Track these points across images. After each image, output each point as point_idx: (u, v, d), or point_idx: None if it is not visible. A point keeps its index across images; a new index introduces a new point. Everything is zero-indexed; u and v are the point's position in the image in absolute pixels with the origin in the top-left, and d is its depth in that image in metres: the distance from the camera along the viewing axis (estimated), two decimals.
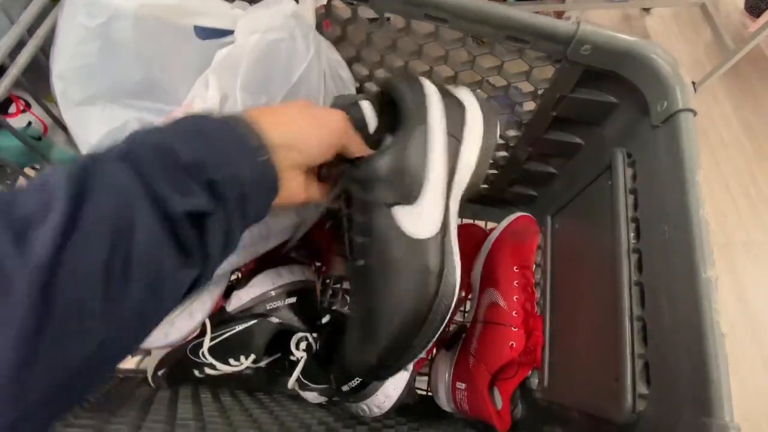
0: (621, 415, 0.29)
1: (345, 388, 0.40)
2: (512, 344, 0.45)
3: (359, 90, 0.48)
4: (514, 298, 0.49)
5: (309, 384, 0.45)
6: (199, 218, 0.19)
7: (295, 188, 0.27)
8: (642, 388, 0.29)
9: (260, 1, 0.34)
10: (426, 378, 0.56)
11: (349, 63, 0.44)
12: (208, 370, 0.47)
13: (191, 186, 0.19)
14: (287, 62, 0.33)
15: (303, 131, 0.26)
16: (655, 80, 0.32)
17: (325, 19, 0.41)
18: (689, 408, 0.24)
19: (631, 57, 0.33)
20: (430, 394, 0.55)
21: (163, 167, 0.18)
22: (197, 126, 0.22)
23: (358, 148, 0.31)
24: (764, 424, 0.91)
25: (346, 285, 0.64)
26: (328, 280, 0.64)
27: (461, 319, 0.51)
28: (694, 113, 0.30)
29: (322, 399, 0.48)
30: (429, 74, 0.43)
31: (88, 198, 0.16)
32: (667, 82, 0.31)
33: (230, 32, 0.33)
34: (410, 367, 0.40)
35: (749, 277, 1.09)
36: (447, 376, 0.49)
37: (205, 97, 0.31)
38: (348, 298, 0.63)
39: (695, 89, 1.29)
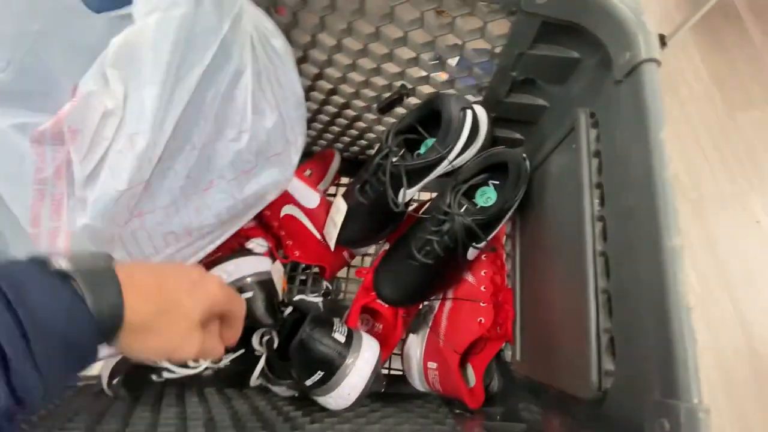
0: (586, 392, 0.28)
1: (308, 382, 0.38)
2: (481, 320, 0.44)
3: (302, 59, 0.44)
4: (483, 272, 0.47)
5: (276, 379, 0.43)
6: None
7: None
8: (608, 365, 0.27)
9: None
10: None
11: (287, 30, 0.40)
12: (166, 374, 0.44)
13: None
14: (197, 40, 0.28)
15: (167, 312, 0.24)
16: (617, 29, 0.29)
17: (279, 5, 0.36)
18: (656, 388, 0.22)
19: (590, 5, 0.29)
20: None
21: None
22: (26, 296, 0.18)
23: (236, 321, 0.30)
24: (739, 377, 0.95)
25: (315, 269, 0.61)
26: (298, 269, 0.61)
27: (428, 302, 0.49)
28: (659, 63, 0.27)
29: (292, 392, 0.46)
30: (375, 36, 0.39)
31: None
32: (629, 29, 0.28)
33: (129, 3, 0.28)
34: (373, 358, 0.38)
35: (720, 229, 1.11)
36: (418, 356, 0.48)
37: (103, 94, 0.27)
38: (318, 283, 0.61)
39: (665, 43, 1.27)
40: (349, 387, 0.37)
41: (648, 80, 0.27)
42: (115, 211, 0.27)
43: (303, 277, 0.62)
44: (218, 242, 0.40)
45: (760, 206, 1.13)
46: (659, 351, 0.22)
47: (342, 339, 0.38)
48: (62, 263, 0.20)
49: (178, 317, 0.25)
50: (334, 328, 0.39)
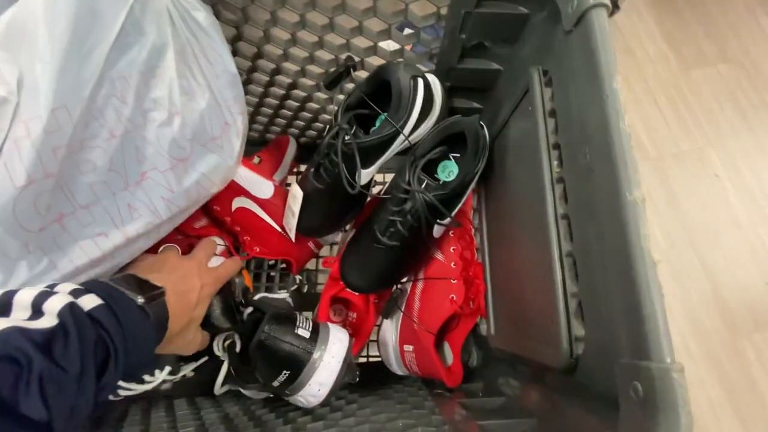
0: (559, 361, 0.26)
1: (275, 383, 0.35)
2: (453, 297, 0.43)
3: (236, 38, 0.40)
4: (451, 248, 0.46)
5: (244, 383, 0.40)
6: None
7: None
8: (579, 330, 0.26)
9: None
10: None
11: (213, 6, 0.36)
12: (122, 393, 0.41)
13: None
14: (99, 13, 0.25)
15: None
16: None
17: None
18: (626, 349, 0.21)
19: None
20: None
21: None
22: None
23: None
24: (706, 321, 0.99)
25: (283, 264, 0.58)
26: (264, 265, 0.58)
27: (400, 285, 0.47)
28: (608, 9, 0.26)
29: (266, 394, 0.44)
30: (312, 4, 0.36)
31: None
32: None
33: None
34: (342, 350, 0.36)
35: (682, 187, 1.14)
36: (394, 340, 0.46)
37: None
38: (286, 278, 0.58)
39: (618, 6, 1.27)
40: (318, 384, 0.35)
41: (598, 27, 0.25)
42: (19, 212, 0.23)
43: (272, 273, 0.59)
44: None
45: (717, 160, 1.16)
46: (627, 311, 0.21)
47: (306, 334, 0.36)
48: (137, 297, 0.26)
49: (192, 325, 0.33)
50: (297, 323, 0.36)
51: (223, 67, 0.36)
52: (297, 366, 0.35)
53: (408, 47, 0.41)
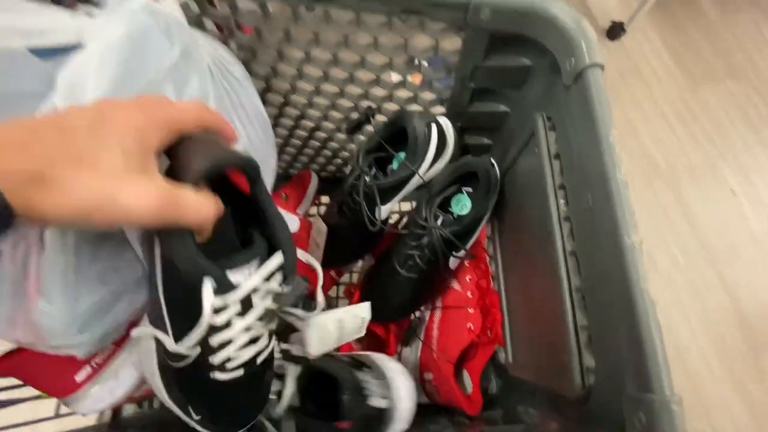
0: (572, 391, 0.28)
1: None
2: (470, 326, 0.45)
3: (266, 89, 0.44)
4: (467, 278, 0.48)
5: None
6: None
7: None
8: (590, 361, 0.28)
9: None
10: None
11: (247, 62, 0.40)
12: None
13: None
14: (143, 64, 0.28)
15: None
16: (560, 37, 0.30)
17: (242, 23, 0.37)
18: (631, 382, 0.23)
19: (532, 16, 0.31)
20: None
21: None
22: None
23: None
24: (728, 339, 0.97)
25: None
26: None
27: (418, 313, 0.50)
28: (602, 68, 0.28)
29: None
30: (334, 62, 0.40)
31: None
32: (571, 37, 0.29)
33: (78, 46, 0.28)
34: (409, 396, 0.37)
35: (697, 201, 1.14)
36: (414, 368, 0.48)
37: None
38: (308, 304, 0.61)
39: (624, 29, 1.31)
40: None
41: (593, 84, 0.28)
42: (72, 241, 0.27)
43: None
44: None
45: (731, 175, 1.16)
46: (630, 346, 0.23)
47: (383, 404, 0.35)
48: None
49: (84, 161, 0.18)
50: (367, 392, 0.35)
51: (256, 113, 0.40)
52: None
53: (421, 93, 0.44)
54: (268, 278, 0.25)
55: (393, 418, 0.35)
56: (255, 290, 0.25)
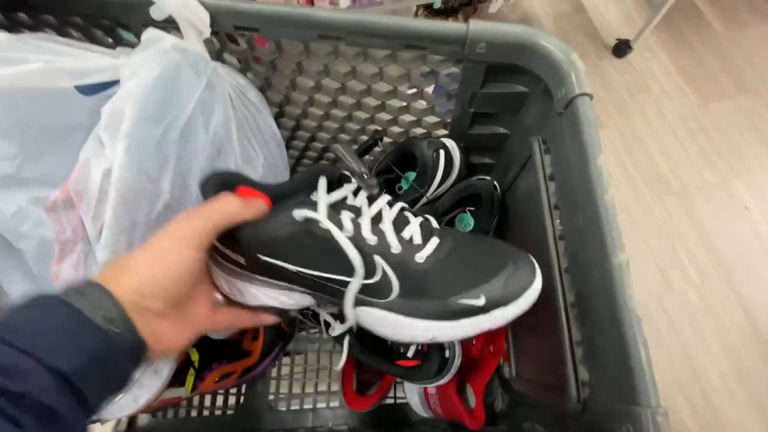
0: (568, 404, 0.29)
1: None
2: (472, 342, 0.46)
3: (279, 114, 0.47)
4: None
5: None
6: None
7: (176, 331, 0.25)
8: (585, 375, 0.29)
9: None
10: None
11: (262, 90, 0.43)
12: None
13: None
14: (175, 96, 0.32)
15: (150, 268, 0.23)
16: (551, 68, 0.32)
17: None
18: (621, 394, 0.24)
19: (524, 48, 0.33)
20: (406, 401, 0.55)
21: None
22: (19, 319, 0.19)
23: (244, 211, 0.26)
24: (747, 359, 0.95)
25: None
26: None
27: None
28: (591, 97, 0.30)
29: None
30: (342, 90, 0.43)
31: None
32: (560, 68, 0.31)
33: (117, 83, 0.32)
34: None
35: (710, 219, 1.13)
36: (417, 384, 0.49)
37: (100, 156, 0.30)
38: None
39: (631, 47, 1.32)
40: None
41: (583, 113, 0.30)
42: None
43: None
44: None
45: (745, 191, 1.15)
46: (619, 360, 0.24)
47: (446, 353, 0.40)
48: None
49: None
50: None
51: (271, 134, 0.43)
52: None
53: (424, 118, 0.47)
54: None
55: (448, 367, 0.39)
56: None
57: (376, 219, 0.28)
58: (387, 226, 0.28)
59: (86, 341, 0.19)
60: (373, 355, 0.40)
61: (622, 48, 1.31)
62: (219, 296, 0.30)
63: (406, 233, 0.28)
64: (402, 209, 0.30)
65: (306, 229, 0.26)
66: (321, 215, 0.26)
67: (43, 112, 0.28)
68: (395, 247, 0.27)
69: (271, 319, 0.33)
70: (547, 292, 0.34)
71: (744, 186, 1.16)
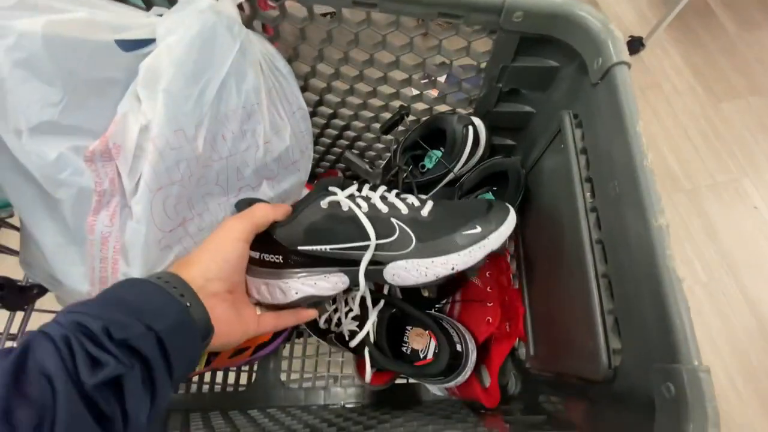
0: (599, 373, 0.29)
1: None
2: (489, 319, 0.46)
3: (303, 88, 0.47)
4: (487, 273, 0.49)
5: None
6: (116, 382, 0.20)
7: (232, 319, 0.30)
8: (615, 343, 0.29)
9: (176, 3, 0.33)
10: None
11: (289, 61, 0.43)
12: None
13: (102, 354, 0.20)
14: (211, 56, 0.32)
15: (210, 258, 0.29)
16: (588, 38, 0.32)
17: (270, 26, 0.40)
18: (659, 356, 0.24)
19: (561, 18, 0.33)
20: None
21: (79, 343, 0.20)
22: (117, 291, 0.24)
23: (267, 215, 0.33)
24: (753, 357, 0.95)
25: None
26: None
27: (439, 305, 0.51)
28: (629, 65, 0.30)
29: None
30: (370, 62, 0.42)
31: (18, 386, 0.18)
32: (598, 37, 0.31)
33: (153, 41, 0.32)
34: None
35: (719, 217, 1.13)
36: None
37: (137, 111, 0.30)
38: None
39: (644, 44, 1.32)
40: None
41: (621, 81, 0.30)
42: (154, 213, 0.29)
43: None
44: None
45: (755, 191, 1.15)
46: (658, 322, 0.24)
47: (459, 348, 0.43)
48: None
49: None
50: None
51: (298, 105, 0.43)
52: None
53: (450, 94, 0.46)
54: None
55: (463, 363, 0.41)
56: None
57: (383, 198, 0.36)
58: (393, 198, 0.36)
59: (171, 309, 0.24)
60: (392, 360, 0.42)
61: (634, 45, 1.31)
62: (259, 309, 0.35)
63: (408, 201, 0.36)
64: (397, 193, 0.37)
65: (331, 213, 0.34)
66: (341, 197, 0.34)
67: (85, 63, 0.28)
68: (403, 209, 0.35)
69: (311, 313, 0.38)
70: (576, 266, 0.34)
71: (753, 185, 1.16)
